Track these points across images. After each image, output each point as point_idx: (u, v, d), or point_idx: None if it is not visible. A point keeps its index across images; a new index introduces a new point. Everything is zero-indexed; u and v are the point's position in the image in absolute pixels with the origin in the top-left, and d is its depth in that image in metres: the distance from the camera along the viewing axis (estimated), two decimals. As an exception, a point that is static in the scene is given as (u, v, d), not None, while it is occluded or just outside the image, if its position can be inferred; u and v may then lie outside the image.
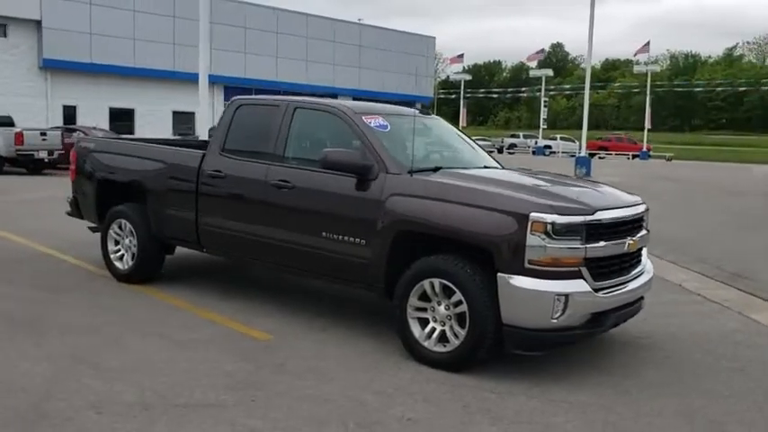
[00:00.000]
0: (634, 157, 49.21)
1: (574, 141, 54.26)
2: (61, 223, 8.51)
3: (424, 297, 4.77)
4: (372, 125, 5.42)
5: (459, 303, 4.56)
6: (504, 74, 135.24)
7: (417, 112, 6.28)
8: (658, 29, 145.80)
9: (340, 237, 5.17)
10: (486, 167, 5.85)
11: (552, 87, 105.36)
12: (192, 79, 16.97)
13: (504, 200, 4.53)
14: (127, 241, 6.74)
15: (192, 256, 7.43)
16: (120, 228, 6.78)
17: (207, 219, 6.07)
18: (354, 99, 38.42)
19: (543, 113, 51.76)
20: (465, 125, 62.55)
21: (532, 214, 4.33)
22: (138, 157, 6.69)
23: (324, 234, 5.26)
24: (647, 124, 50.07)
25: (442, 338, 4.69)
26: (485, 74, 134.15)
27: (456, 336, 4.60)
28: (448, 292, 4.63)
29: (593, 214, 4.50)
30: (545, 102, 53.21)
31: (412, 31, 40.90)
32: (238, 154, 5.96)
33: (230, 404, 3.99)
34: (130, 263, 6.70)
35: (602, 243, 4.53)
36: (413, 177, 4.99)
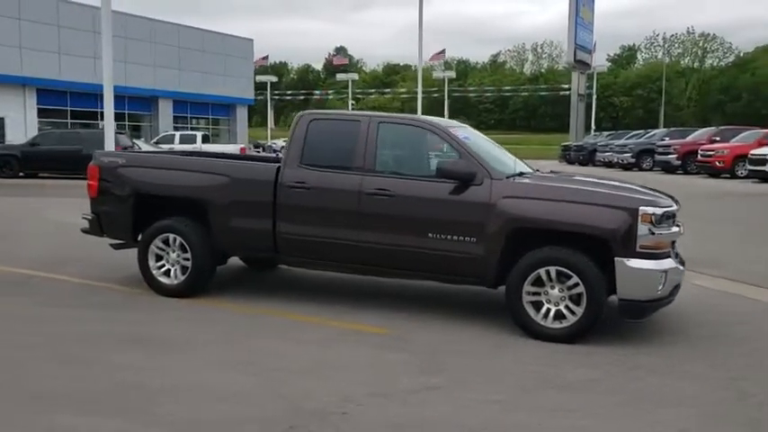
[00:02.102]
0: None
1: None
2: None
3: (536, 283, 5.65)
4: (461, 137, 6.17)
5: (574, 286, 5.51)
6: (291, 75, 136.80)
7: (462, 123, 7.09)
8: (425, 34, 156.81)
9: (448, 237, 5.86)
10: (538, 171, 6.84)
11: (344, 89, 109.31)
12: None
13: (614, 198, 5.60)
14: (174, 255, 6.72)
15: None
16: (164, 243, 6.73)
17: (288, 228, 6.35)
18: (176, 101, 37.11)
19: (351, 115, 53.84)
20: (273, 127, 63.04)
21: (641, 208, 5.43)
22: (192, 172, 6.71)
23: (430, 235, 5.91)
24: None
25: (557, 316, 5.61)
26: (272, 74, 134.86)
27: (573, 313, 5.55)
28: (562, 278, 5.56)
29: (670, 206, 5.70)
30: (352, 104, 55.37)
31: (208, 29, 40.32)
32: (320, 166, 6.34)
33: (443, 385, 4.57)
34: (181, 277, 6.70)
35: (674, 228, 5.75)
36: (517, 182, 5.87)
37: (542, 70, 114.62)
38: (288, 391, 4.42)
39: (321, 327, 5.89)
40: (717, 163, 24.82)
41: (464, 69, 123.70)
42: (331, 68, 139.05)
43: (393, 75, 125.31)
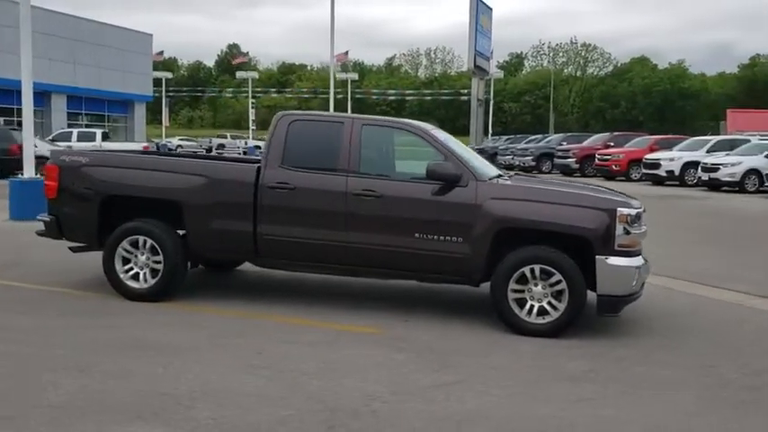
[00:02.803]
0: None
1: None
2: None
3: (520, 281, 5.92)
4: (442, 139, 6.35)
5: (556, 283, 5.82)
6: (182, 72, 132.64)
7: (435, 126, 7.27)
8: (314, 34, 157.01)
9: (435, 237, 6.02)
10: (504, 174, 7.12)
11: (231, 88, 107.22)
12: None
13: (594, 199, 5.97)
14: (143, 258, 6.50)
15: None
16: (132, 245, 6.49)
17: (269, 229, 6.29)
18: (70, 97, 35.18)
19: (252, 115, 53.08)
20: (168, 125, 60.96)
21: (618, 209, 5.81)
22: (166, 172, 6.50)
23: (417, 235, 6.05)
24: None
25: (540, 312, 5.90)
26: (162, 70, 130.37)
27: (555, 309, 5.85)
28: (544, 275, 5.86)
29: (640, 207, 6.13)
30: (253, 103, 54.52)
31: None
32: (303, 167, 6.32)
33: (459, 381, 4.74)
34: (151, 280, 6.49)
35: (643, 228, 6.19)
36: (502, 183, 6.12)
37: (436, 74, 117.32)
38: (312, 391, 4.44)
39: (312, 328, 5.91)
40: (613, 166, 26.46)
41: (360, 71, 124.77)
42: (224, 66, 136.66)
43: (289, 74, 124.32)
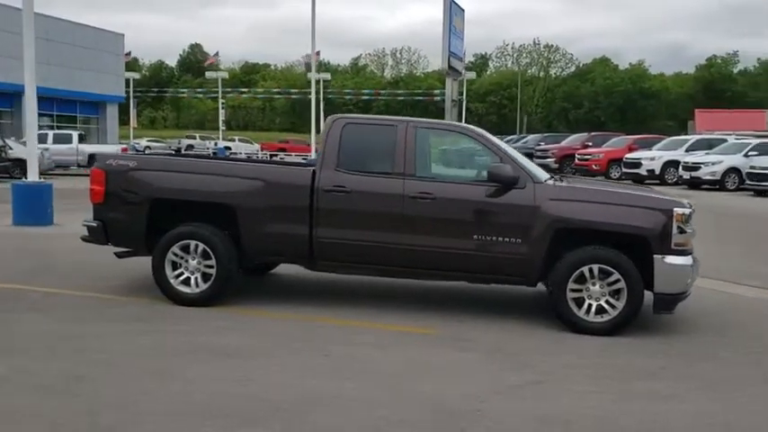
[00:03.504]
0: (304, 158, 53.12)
1: (251, 143, 56.31)
2: None
3: (578, 280, 6.03)
4: (497, 142, 6.44)
5: (615, 282, 5.94)
6: (144, 72, 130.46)
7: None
8: (276, 34, 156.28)
9: (494, 238, 6.10)
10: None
11: (201, 89, 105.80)
12: None
13: (650, 200, 6.11)
14: (194, 263, 6.43)
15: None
16: (183, 250, 6.42)
17: (326, 232, 6.29)
18: (41, 98, 34.18)
19: (222, 115, 52.47)
20: (136, 126, 59.92)
21: (675, 209, 5.96)
22: (220, 176, 6.46)
23: (475, 237, 6.12)
24: (314, 128, 54.33)
25: (598, 311, 6.02)
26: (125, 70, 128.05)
27: (614, 307, 5.98)
28: (602, 275, 5.98)
29: (691, 208, 6.29)
30: (223, 103, 53.89)
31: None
32: (358, 170, 6.34)
33: (543, 380, 4.83)
34: (203, 285, 6.43)
35: (694, 227, 6.36)
36: (558, 185, 6.23)
37: (402, 75, 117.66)
38: (406, 393, 4.48)
39: (371, 330, 5.93)
40: (593, 166, 26.95)
41: (325, 71, 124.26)
42: (187, 65, 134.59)
43: (253, 74, 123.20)
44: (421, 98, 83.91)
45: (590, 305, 6.01)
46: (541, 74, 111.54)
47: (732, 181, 21.61)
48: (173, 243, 6.44)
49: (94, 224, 6.65)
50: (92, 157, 26.11)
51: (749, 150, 22.29)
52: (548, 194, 6.11)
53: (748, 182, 20.58)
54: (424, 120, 6.85)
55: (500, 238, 6.10)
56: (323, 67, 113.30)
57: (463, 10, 50.79)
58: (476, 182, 6.26)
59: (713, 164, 21.99)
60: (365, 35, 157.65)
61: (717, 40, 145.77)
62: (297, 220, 6.34)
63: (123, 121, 59.09)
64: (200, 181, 6.48)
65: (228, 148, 54.06)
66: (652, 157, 24.21)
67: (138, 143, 50.77)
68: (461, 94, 52.50)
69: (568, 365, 5.19)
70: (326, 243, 6.34)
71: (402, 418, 4.05)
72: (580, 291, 6.02)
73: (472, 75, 61.19)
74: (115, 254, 6.88)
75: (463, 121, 55.48)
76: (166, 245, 6.44)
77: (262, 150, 53.83)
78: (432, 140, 6.60)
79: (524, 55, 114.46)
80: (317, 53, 55.74)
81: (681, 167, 23.00)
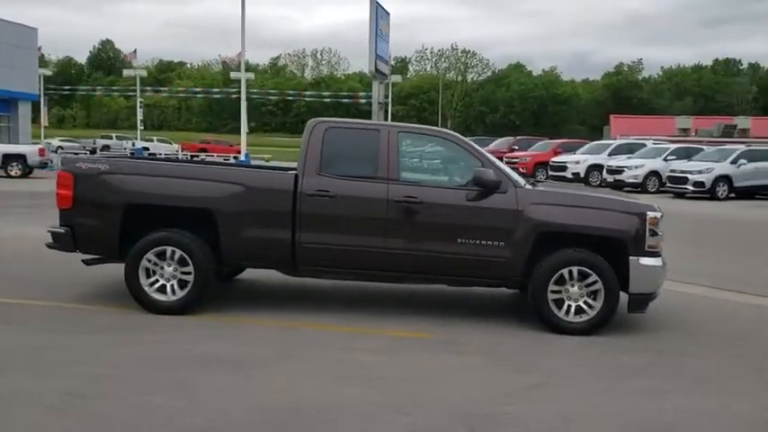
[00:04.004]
0: (235, 158, 52.09)
1: (170, 143, 54.67)
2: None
3: (558, 282, 6.21)
4: (477, 147, 6.54)
5: (593, 283, 6.16)
6: (51, 68, 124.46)
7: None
8: (189, 31, 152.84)
9: (478, 241, 6.20)
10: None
11: (115, 86, 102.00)
12: None
13: (626, 204, 6.36)
14: (170, 270, 6.22)
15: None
16: (158, 256, 6.21)
17: (309, 237, 6.22)
18: (-54, 94, 32.09)
19: (140, 114, 50.54)
20: (47, 125, 56.98)
21: (648, 213, 6.23)
22: (200, 180, 6.26)
23: (460, 240, 6.20)
24: (245, 128, 53.41)
25: (577, 311, 6.22)
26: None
27: (591, 307, 6.19)
28: (581, 276, 6.18)
29: (661, 211, 6.58)
30: (141, 103, 51.97)
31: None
32: (341, 174, 6.30)
33: (548, 381, 4.95)
34: (180, 292, 6.23)
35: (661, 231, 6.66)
36: (539, 189, 6.39)
37: (323, 76, 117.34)
38: (421, 398, 4.50)
39: (366, 336, 5.92)
40: (521, 169, 27.65)
41: (246, 70, 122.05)
42: (97, 62, 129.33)
43: (168, 72, 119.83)
44: (347, 100, 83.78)
45: (569, 306, 6.21)
46: (459, 78, 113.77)
47: (653, 183, 22.74)
48: (147, 249, 6.20)
49: (61, 230, 6.31)
50: (6, 158, 24.74)
51: (668, 155, 23.55)
52: (529, 199, 6.26)
53: (669, 184, 21.71)
54: (406, 124, 6.88)
55: (484, 242, 6.20)
56: (237, 66, 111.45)
57: (389, 13, 50.92)
58: (459, 186, 6.34)
59: (635, 167, 23.08)
60: (282, 35, 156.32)
61: (621, 48, 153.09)
62: (279, 224, 6.24)
63: (32, 119, 56.20)
64: (177, 185, 6.27)
65: (147, 149, 52.26)
66: (577, 161, 25.15)
67: (49, 143, 48.41)
68: (387, 96, 52.79)
69: (565, 366, 5.33)
70: (309, 248, 6.27)
71: (430, 425, 4.07)
72: (560, 292, 6.20)
73: (398, 78, 61.61)
74: (83, 261, 6.56)
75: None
76: (141, 251, 6.20)
77: (182, 151, 52.35)
78: (413, 145, 6.63)
79: (443, 59, 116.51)
80: (241, 53, 54.90)
81: (605, 171, 24.00)
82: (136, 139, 52.37)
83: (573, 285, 6.19)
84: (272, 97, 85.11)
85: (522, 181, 6.48)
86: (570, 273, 6.16)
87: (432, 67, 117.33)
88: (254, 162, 29.01)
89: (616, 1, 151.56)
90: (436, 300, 7.34)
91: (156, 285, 6.23)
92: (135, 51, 50.69)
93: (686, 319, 6.98)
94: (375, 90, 47.74)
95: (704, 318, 7.13)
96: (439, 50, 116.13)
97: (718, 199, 20.84)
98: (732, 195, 21.51)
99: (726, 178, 21.01)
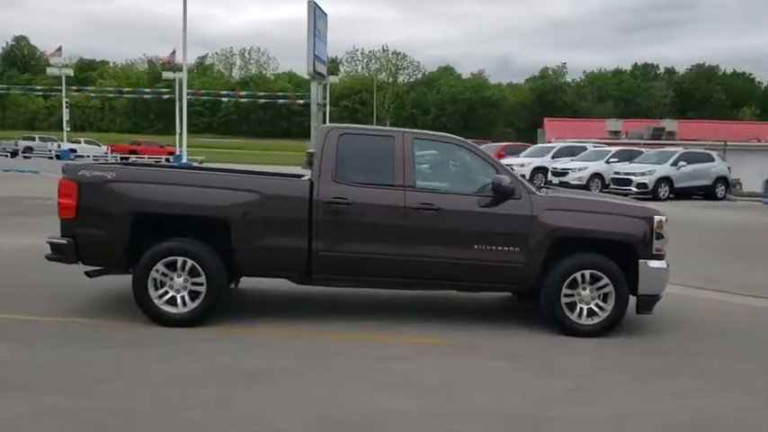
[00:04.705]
0: (167, 160, 50.72)
1: (99, 145, 52.74)
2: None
3: (570, 285, 6.34)
4: (489, 153, 6.60)
5: (604, 286, 6.32)
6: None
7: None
8: (110, 29, 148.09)
9: (494, 247, 6.26)
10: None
11: (32, 85, 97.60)
12: None
13: (635, 209, 6.55)
14: (180, 280, 6.01)
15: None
16: (168, 267, 5.99)
17: (326, 245, 6.13)
18: None
19: (66, 115, 48.65)
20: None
21: (655, 216, 6.44)
22: (213, 188, 6.07)
23: (476, 246, 6.24)
24: (178, 129, 52.14)
25: (589, 314, 6.36)
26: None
27: (602, 310, 6.35)
28: (593, 280, 6.33)
29: (665, 215, 6.80)
30: (66, 102, 49.95)
31: None
32: (357, 181, 6.23)
33: (583, 385, 5.05)
34: (191, 304, 6.03)
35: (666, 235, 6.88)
36: (552, 195, 6.52)
37: (252, 75, 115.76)
38: (465, 406, 4.52)
39: (388, 343, 5.88)
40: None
41: (171, 69, 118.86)
42: (11, 60, 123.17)
43: (89, 71, 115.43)
44: (283, 101, 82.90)
45: (581, 309, 6.35)
46: (390, 80, 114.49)
47: (596, 185, 23.48)
48: (157, 260, 5.97)
49: (63, 241, 5.99)
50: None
51: (610, 157, 24.40)
52: (543, 204, 6.36)
53: (613, 186, 22.49)
54: (419, 131, 6.87)
55: (500, 247, 6.26)
56: (170, 66, 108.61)
57: (326, 14, 50.56)
58: (474, 192, 6.38)
59: (579, 170, 23.80)
60: (205, 34, 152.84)
61: (545, 52, 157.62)
62: (295, 232, 6.12)
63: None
64: (189, 193, 6.06)
65: (74, 150, 50.25)
66: (522, 164, 25.68)
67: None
68: (325, 98, 52.58)
69: (590, 368, 5.45)
70: (326, 256, 6.17)
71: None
72: (572, 295, 6.33)
73: (335, 79, 61.47)
74: (86, 273, 6.26)
75: (328, 122, 55.51)
76: (150, 262, 5.96)
77: (111, 153, 50.62)
78: (427, 151, 6.63)
79: (374, 61, 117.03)
80: (173, 53, 53.64)
81: (550, 173, 24.63)
82: (61, 140, 50.34)
83: (585, 288, 6.33)
84: (206, 97, 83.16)
85: (532, 187, 6.59)
86: (582, 276, 6.30)
87: (363, 68, 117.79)
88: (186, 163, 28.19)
89: (539, 6, 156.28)
90: (440, 304, 7.36)
91: (166, 297, 6.01)
92: (60, 49, 48.69)
93: (677, 320, 7.24)
94: (314, 91, 47.49)
95: (689, 316, 7.38)
96: (370, 51, 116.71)
97: (660, 199, 21.73)
98: (671, 196, 22.49)
99: (667, 179, 21.97)
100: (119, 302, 6.61)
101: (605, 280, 6.30)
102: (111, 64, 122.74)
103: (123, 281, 6.41)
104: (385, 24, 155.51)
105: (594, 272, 6.30)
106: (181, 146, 35.67)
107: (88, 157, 48.73)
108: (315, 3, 45.70)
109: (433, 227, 6.25)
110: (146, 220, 6.02)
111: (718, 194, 23.22)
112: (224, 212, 6.03)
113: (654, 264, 6.39)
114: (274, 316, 6.58)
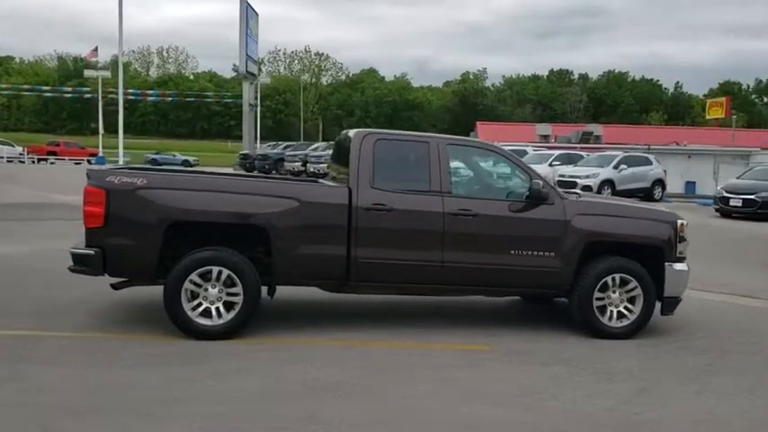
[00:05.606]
0: (89, 161, 48.57)
1: (13, 145, 49.99)
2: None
3: (601, 289, 6.44)
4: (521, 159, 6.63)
5: (632, 289, 6.45)
6: None
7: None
8: (14, 23, 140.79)
9: (530, 252, 6.29)
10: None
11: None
12: None
13: (660, 213, 6.72)
14: (215, 291, 5.74)
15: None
16: (202, 277, 5.70)
17: (367, 252, 5.99)
18: None
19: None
20: None
21: (678, 221, 6.63)
22: (252, 195, 5.84)
23: (513, 252, 6.25)
24: (101, 129, 50.10)
25: (619, 317, 6.48)
26: None
27: (631, 312, 6.48)
28: (622, 283, 6.46)
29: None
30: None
31: None
32: (395, 188, 6.13)
33: (647, 387, 5.13)
34: (227, 315, 5.76)
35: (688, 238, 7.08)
36: (582, 200, 6.60)
37: (170, 74, 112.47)
38: (551, 412, 4.53)
39: (431, 351, 5.82)
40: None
41: (85, 67, 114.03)
42: None
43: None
44: (210, 100, 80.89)
45: (611, 312, 6.46)
46: (313, 81, 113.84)
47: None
48: (192, 270, 5.67)
49: (90, 252, 5.59)
50: None
51: (553, 160, 25.02)
52: (575, 209, 6.44)
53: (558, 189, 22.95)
54: (453, 137, 6.83)
55: (536, 252, 6.30)
56: (82, 63, 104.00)
57: (257, 14, 49.88)
58: (509, 198, 6.39)
59: (587, 177, 23.44)
60: (116, 32, 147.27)
61: (463, 56, 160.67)
62: (333, 240, 5.95)
63: None
64: (225, 200, 5.79)
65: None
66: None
67: None
68: (256, 98, 51.74)
69: (642, 369, 5.54)
70: (366, 263, 6.03)
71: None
72: (603, 299, 6.44)
73: (267, 80, 60.55)
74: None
75: (258, 125, 54.73)
76: (183, 273, 5.66)
77: (29, 154, 48.07)
78: (461, 157, 6.59)
79: (296, 61, 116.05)
80: (95, 50, 51.41)
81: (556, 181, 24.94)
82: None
83: (614, 292, 6.45)
84: (131, 97, 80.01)
85: (563, 193, 6.66)
86: (613, 279, 6.41)
87: (285, 68, 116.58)
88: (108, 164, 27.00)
89: (453, 10, 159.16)
90: (454, 309, 7.32)
91: (200, 309, 5.72)
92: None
93: (690, 322, 7.48)
94: (245, 91, 46.84)
95: (684, 315, 7.64)
96: (292, 52, 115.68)
97: (603, 201, 22.44)
98: (613, 198, 23.26)
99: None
100: (121, 315, 6.31)
101: (634, 283, 6.43)
102: (18, 60, 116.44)
103: (111, 292, 6.19)
104: (305, 25, 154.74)
105: (624, 275, 6.42)
106: (117, 147, 34.15)
107: (2, 158, 46.08)
108: (247, 2, 45.09)
109: (471, 232, 6.21)
110: (177, 230, 5.71)
111: (656, 196, 24.20)
112: (263, 220, 5.80)
113: (678, 266, 6.58)
114: (305, 324, 6.35)
